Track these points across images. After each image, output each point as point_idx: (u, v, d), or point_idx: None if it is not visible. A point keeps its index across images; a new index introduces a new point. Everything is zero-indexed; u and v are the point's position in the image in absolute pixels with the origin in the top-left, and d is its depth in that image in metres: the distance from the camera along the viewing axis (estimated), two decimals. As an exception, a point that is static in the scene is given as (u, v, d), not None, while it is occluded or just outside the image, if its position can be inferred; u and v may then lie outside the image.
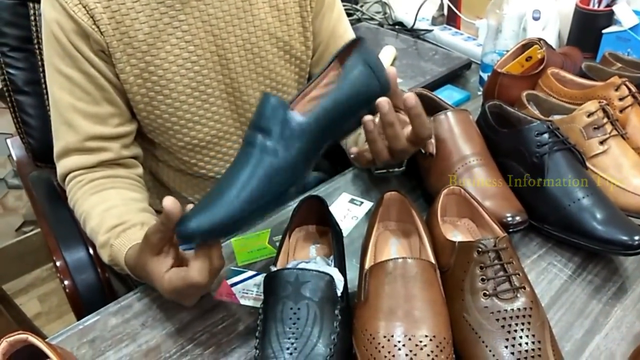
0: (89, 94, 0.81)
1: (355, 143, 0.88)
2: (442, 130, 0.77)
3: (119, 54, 0.79)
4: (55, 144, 0.85)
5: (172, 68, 0.82)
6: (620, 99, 0.82)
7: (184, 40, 0.82)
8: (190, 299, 0.62)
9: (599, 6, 1.17)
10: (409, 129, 0.65)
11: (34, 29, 1.01)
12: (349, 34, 0.99)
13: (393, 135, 0.65)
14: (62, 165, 0.84)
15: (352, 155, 0.75)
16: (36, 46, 1.02)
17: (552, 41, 1.22)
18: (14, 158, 1.17)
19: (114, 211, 0.76)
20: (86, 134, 0.81)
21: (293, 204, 0.76)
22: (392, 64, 1.33)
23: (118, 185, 0.82)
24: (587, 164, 0.75)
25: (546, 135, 0.74)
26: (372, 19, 1.66)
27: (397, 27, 1.59)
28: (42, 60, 1.02)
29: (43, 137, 1.06)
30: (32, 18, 1.01)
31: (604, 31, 1.15)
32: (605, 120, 0.77)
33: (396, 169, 0.80)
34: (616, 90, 0.82)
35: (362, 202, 0.82)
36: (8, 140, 1.19)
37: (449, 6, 1.50)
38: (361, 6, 1.69)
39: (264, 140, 0.56)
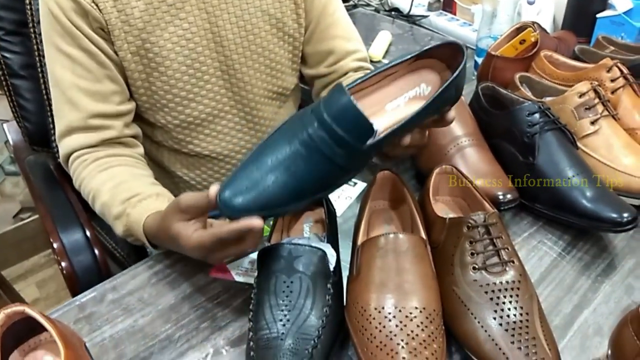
0: (91, 71, 0.81)
1: None
2: (434, 111, 0.77)
3: (117, 31, 0.80)
4: (57, 123, 0.85)
5: (167, 45, 0.83)
6: (612, 81, 0.82)
7: (179, 17, 0.83)
8: (216, 257, 0.62)
9: (593, -10, 1.17)
10: None
11: (29, 12, 1.01)
12: (340, 13, 0.99)
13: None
14: (65, 145, 0.84)
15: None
16: (32, 30, 1.02)
17: (547, 25, 1.23)
18: (11, 143, 1.18)
19: (125, 185, 0.77)
20: (89, 112, 0.82)
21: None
22: (387, 50, 1.34)
23: (123, 162, 0.83)
24: (578, 144, 0.76)
25: (537, 115, 0.74)
26: (368, 5, 1.66)
27: (393, 12, 1.60)
28: (37, 44, 1.02)
29: (39, 121, 1.07)
30: (27, 2, 1.01)
31: (598, 15, 1.16)
32: (597, 100, 0.78)
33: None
34: (608, 71, 0.83)
35: (356, 183, 0.82)
36: (4, 125, 1.19)
37: (445, -8, 1.50)
38: (358, -8, 1.69)
39: (334, 148, 0.54)
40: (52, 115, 1.01)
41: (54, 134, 0.96)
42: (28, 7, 1.01)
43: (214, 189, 0.55)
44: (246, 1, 0.86)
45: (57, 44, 0.81)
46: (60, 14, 0.78)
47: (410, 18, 1.52)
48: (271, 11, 0.89)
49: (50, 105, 1.01)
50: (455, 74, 0.57)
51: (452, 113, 0.64)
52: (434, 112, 0.60)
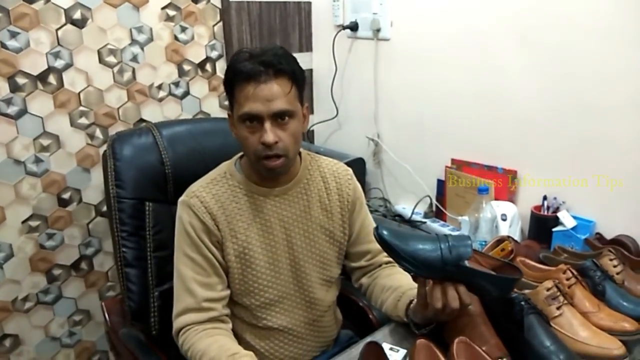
0: (205, 269, 1.18)
1: (394, 307, 1.23)
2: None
3: (228, 243, 1.19)
4: (176, 305, 1.18)
5: (258, 250, 1.22)
6: (567, 279, 1.20)
7: (267, 232, 1.23)
8: None
9: (547, 212, 1.63)
10: None
11: (147, 220, 1.39)
12: (372, 224, 1.40)
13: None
14: (180, 321, 1.17)
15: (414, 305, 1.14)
16: (147, 233, 1.38)
17: (517, 235, 1.65)
18: (108, 319, 1.46)
19: (227, 346, 1.09)
20: (201, 298, 1.16)
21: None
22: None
23: (221, 333, 1.16)
24: (551, 322, 1.10)
25: (523, 303, 1.10)
26: (377, 210, 2.11)
27: (397, 217, 2.04)
28: (149, 243, 1.38)
29: (142, 300, 1.38)
30: (147, 213, 1.39)
31: (553, 229, 1.59)
32: (558, 293, 1.14)
33: (430, 326, 1.15)
34: (564, 273, 1.21)
35: (399, 350, 1.13)
36: (103, 304, 1.50)
37: (436, 205, 1.97)
38: (368, 201, 2.15)
39: (444, 247, 1.03)
40: (153, 297, 1.35)
41: (154, 311, 1.29)
42: (147, 216, 1.39)
43: None
44: (311, 220, 1.28)
45: (184, 250, 1.19)
46: (192, 231, 1.18)
47: (412, 222, 1.96)
48: (326, 226, 1.30)
49: (152, 289, 1.36)
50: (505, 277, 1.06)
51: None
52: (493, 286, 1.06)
